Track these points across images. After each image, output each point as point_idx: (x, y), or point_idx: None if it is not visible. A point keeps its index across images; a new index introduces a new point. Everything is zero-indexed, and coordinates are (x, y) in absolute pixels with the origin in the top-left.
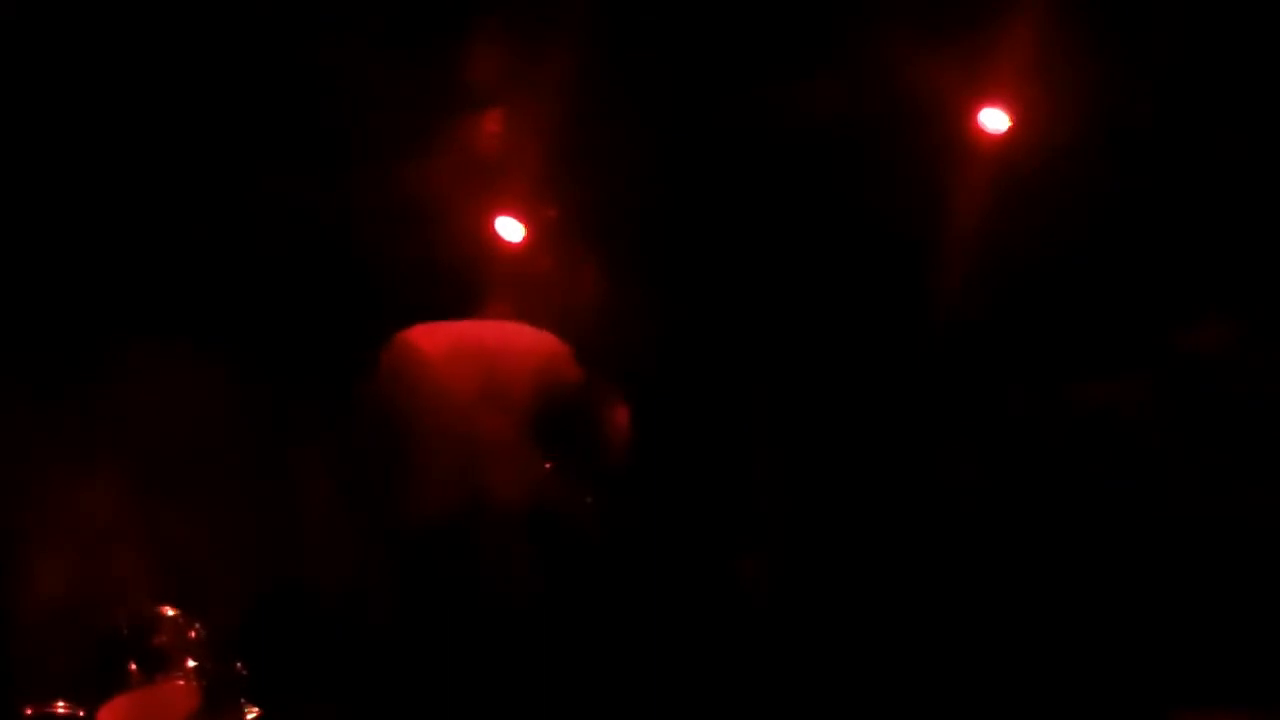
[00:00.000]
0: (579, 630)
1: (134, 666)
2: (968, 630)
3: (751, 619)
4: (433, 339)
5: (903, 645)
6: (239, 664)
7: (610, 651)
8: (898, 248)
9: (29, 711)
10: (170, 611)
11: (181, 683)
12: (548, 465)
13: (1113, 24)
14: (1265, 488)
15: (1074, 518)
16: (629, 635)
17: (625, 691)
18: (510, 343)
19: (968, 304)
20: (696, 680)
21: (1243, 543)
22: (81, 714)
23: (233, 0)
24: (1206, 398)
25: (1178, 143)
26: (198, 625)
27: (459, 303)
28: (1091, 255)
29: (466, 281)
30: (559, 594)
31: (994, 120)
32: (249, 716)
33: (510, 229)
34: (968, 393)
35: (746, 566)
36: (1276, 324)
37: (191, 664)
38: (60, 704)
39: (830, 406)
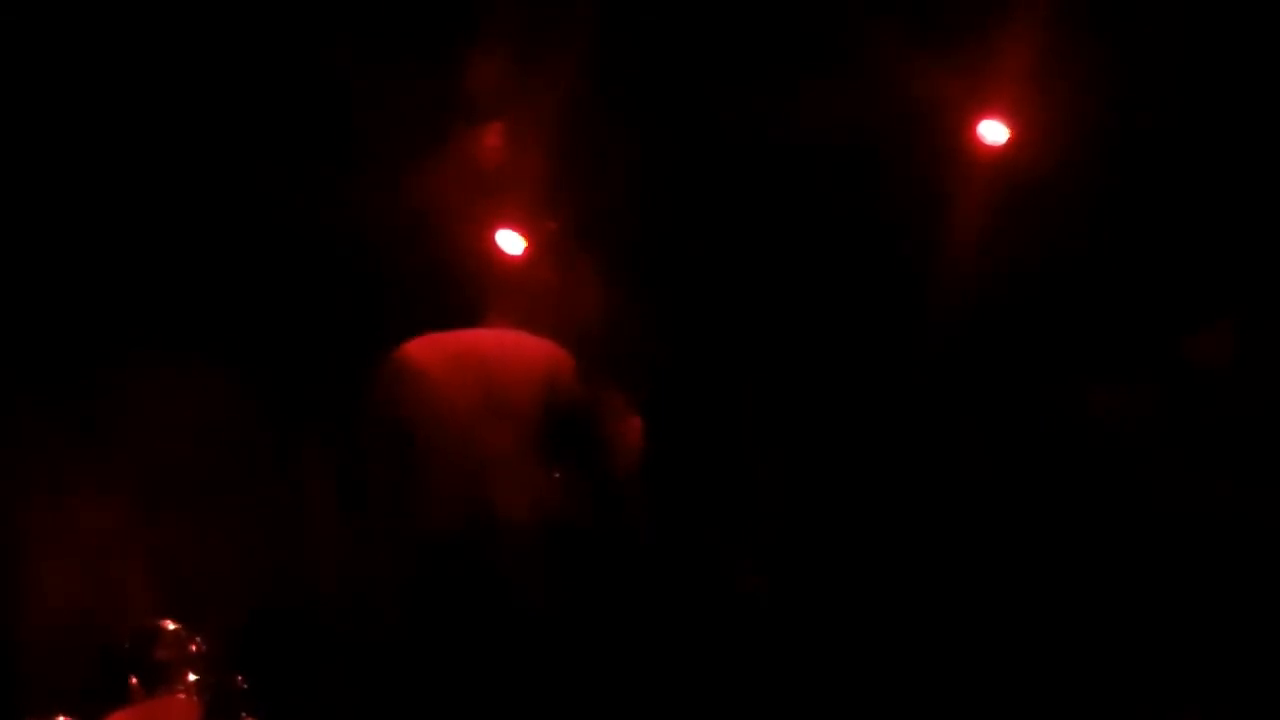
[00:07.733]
0: (588, 640)
1: (135, 680)
2: (969, 630)
3: (753, 622)
4: (431, 351)
5: (903, 646)
6: (239, 678)
7: (617, 659)
8: (899, 257)
9: None
10: (171, 625)
11: (182, 696)
12: (555, 475)
13: (1111, 34)
14: (1265, 488)
15: (1075, 519)
16: (636, 642)
17: (632, 698)
18: (509, 352)
19: (969, 312)
20: (701, 683)
21: (1243, 543)
22: None
23: (238, 11)
24: (1207, 400)
25: (1177, 152)
26: (199, 639)
27: (460, 315)
28: (1092, 263)
29: (467, 294)
30: (569, 605)
31: (994, 131)
32: None
33: (511, 242)
34: (969, 399)
35: (747, 569)
36: (1276, 327)
37: (192, 678)
38: (62, 717)
39: (832, 412)
